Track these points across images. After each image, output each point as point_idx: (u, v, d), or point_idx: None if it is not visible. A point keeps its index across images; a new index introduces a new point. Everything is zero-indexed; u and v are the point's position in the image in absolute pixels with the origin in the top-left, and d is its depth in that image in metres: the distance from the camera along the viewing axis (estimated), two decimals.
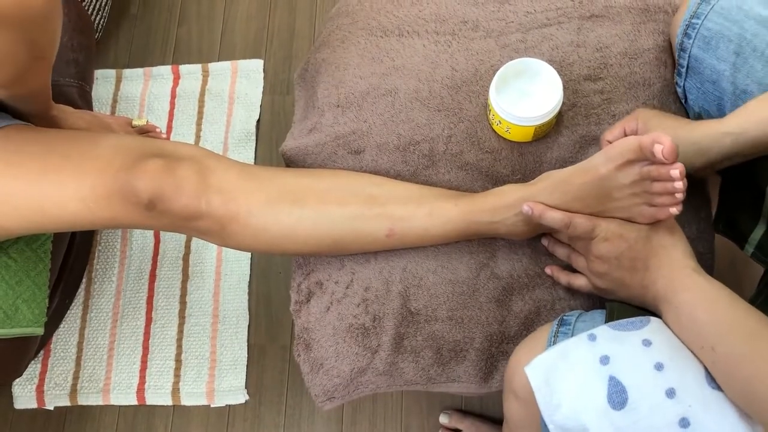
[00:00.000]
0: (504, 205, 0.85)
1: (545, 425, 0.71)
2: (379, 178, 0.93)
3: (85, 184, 0.82)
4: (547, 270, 0.90)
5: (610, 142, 0.84)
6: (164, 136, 1.40)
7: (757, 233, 0.82)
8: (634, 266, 0.77)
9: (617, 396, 0.65)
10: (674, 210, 0.74)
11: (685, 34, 0.86)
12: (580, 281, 0.85)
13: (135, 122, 1.26)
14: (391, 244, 0.90)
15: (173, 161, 0.84)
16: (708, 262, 0.90)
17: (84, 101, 1.27)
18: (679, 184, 0.72)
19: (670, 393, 0.64)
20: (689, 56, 0.86)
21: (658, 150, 0.70)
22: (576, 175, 0.80)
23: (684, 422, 0.63)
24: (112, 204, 0.83)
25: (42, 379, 1.44)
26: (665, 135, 0.71)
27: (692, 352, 0.69)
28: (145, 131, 1.28)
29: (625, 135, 0.83)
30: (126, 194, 0.82)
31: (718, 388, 0.65)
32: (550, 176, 0.84)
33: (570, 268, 0.87)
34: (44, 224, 0.85)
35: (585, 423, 0.66)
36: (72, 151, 0.85)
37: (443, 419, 1.32)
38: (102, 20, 1.66)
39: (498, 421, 1.31)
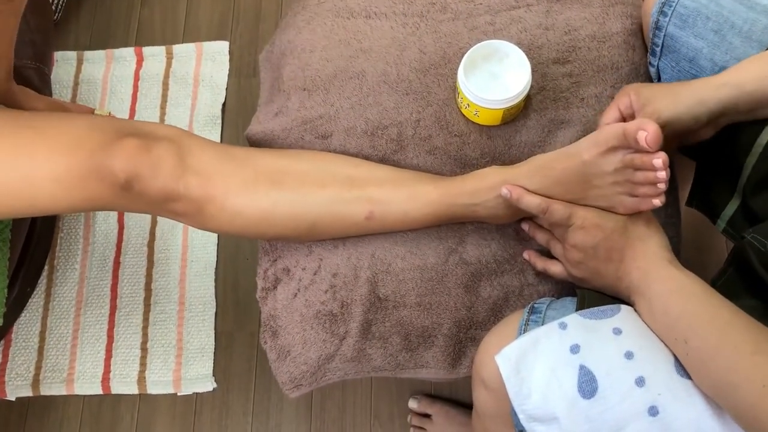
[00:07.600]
0: (485, 187, 0.84)
1: (515, 414, 0.71)
2: (358, 160, 0.92)
3: (59, 163, 0.79)
4: (525, 255, 0.89)
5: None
6: None
7: (731, 208, 0.82)
8: (610, 257, 0.76)
9: (587, 385, 0.65)
10: (657, 201, 0.74)
11: (661, 12, 0.86)
12: (555, 268, 0.84)
13: (97, 112, 1.23)
14: (370, 227, 0.89)
15: (150, 141, 0.82)
16: (675, 247, 0.90)
17: (43, 83, 1.24)
18: (662, 174, 0.71)
19: (640, 381, 0.64)
20: (665, 35, 0.86)
21: (642, 137, 0.70)
22: (559, 159, 0.80)
23: (653, 410, 0.63)
24: (88, 184, 0.80)
25: (3, 370, 1.42)
26: (651, 122, 0.70)
27: (665, 343, 0.69)
28: None
29: (620, 113, 0.82)
30: (102, 174, 0.80)
31: (687, 376, 0.66)
32: (534, 160, 0.83)
33: (546, 254, 0.87)
34: (16, 208, 0.82)
35: (555, 412, 0.66)
36: (46, 130, 0.82)
37: (412, 404, 1.32)
38: (61, 0, 1.61)
39: (467, 405, 1.31)
